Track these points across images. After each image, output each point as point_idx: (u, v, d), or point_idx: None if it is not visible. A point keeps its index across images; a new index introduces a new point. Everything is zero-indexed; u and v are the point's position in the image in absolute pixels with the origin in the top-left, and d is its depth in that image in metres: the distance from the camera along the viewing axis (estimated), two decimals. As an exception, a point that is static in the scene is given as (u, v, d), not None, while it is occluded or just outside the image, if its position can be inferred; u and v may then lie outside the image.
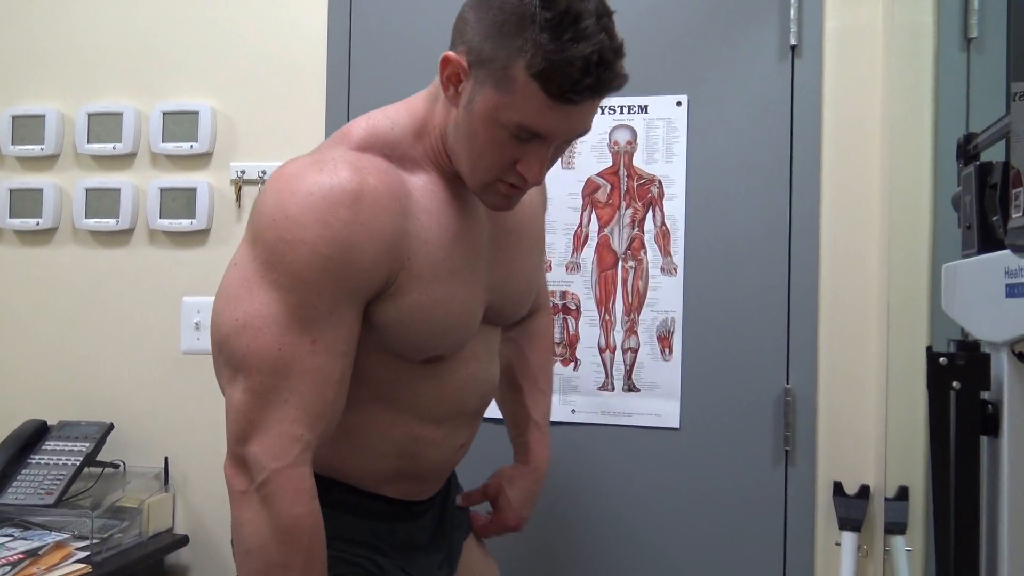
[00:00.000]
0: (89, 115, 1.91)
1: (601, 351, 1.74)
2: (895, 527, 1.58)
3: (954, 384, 0.75)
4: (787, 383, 1.66)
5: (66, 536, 1.67)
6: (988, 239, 0.78)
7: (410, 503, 1.16)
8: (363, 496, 1.10)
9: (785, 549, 1.66)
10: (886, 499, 1.60)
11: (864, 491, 1.64)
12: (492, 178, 1.00)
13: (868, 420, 1.64)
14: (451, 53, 0.96)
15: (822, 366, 1.66)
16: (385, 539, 1.12)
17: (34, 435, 1.83)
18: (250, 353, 0.91)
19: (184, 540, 1.86)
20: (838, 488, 1.65)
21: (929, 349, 0.77)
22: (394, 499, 1.13)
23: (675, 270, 1.71)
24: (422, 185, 1.02)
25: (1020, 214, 0.55)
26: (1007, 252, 0.72)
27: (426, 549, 1.19)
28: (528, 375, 1.39)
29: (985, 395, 0.78)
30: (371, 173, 0.96)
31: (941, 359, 0.76)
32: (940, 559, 0.78)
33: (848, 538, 1.61)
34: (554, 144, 0.98)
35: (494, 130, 0.95)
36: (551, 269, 1.75)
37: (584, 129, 0.99)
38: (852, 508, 1.64)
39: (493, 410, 1.31)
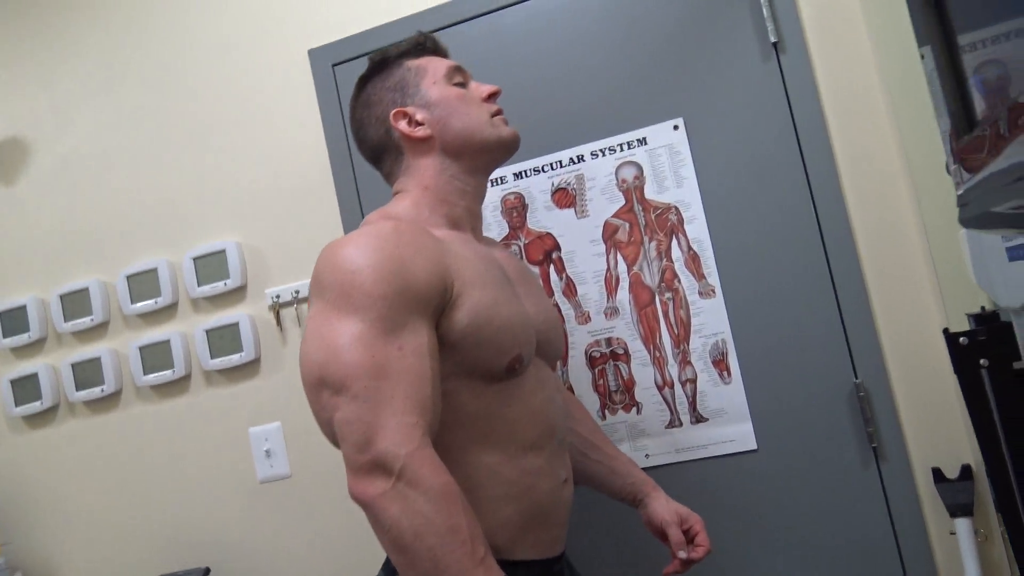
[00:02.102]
0: (128, 277, 1.99)
1: (660, 388, 1.70)
2: (1009, 503, 1.49)
3: (982, 362, 0.71)
4: (856, 378, 1.60)
5: None
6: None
7: (547, 563, 1.18)
8: (505, 566, 1.09)
9: (899, 549, 1.58)
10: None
11: (967, 472, 1.55)
12: (487, 116, 1.26)
13: (951, 397, 1.56)
14: (395, 110, 1.25)
15: (887, 352, 1.60)
16: None
17: (139, 593, 1.87)
18: (350, 367, 0.98)
19: (299, 666, 1.87)
20: (938, 474, 1.57)
21: (946, 331, 0.73)
22: (532, 561, 1.15)
23: (713, 291, 1.68)
24: (442, 233, 1.18)
25: (962, 192, 0.52)
26: (997, 215, 0.68)
27: None
28: (595, 431, 1.50)
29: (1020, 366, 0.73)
30: (403, 221, 1.14)
31: (961, 339, 0.72)
32: (1016, 544, 0.73)
33: (962, 525, 1.52)
34: (470, 76, 1.32)
35: (451, 90, 1.26)
36: (590, 320, 1.74)
37: None
38: (958, 492, 1.55)
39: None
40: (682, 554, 1.35)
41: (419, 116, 1.24)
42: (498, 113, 1.28)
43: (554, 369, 1.31)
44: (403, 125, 1.24)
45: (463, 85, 1.28)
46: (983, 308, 0.72)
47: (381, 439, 0.96)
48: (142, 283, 1.98)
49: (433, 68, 1.27)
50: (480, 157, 1.26)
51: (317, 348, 1.02)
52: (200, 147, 1.99)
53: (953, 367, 0.72)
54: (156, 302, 1.97)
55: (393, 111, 1.24)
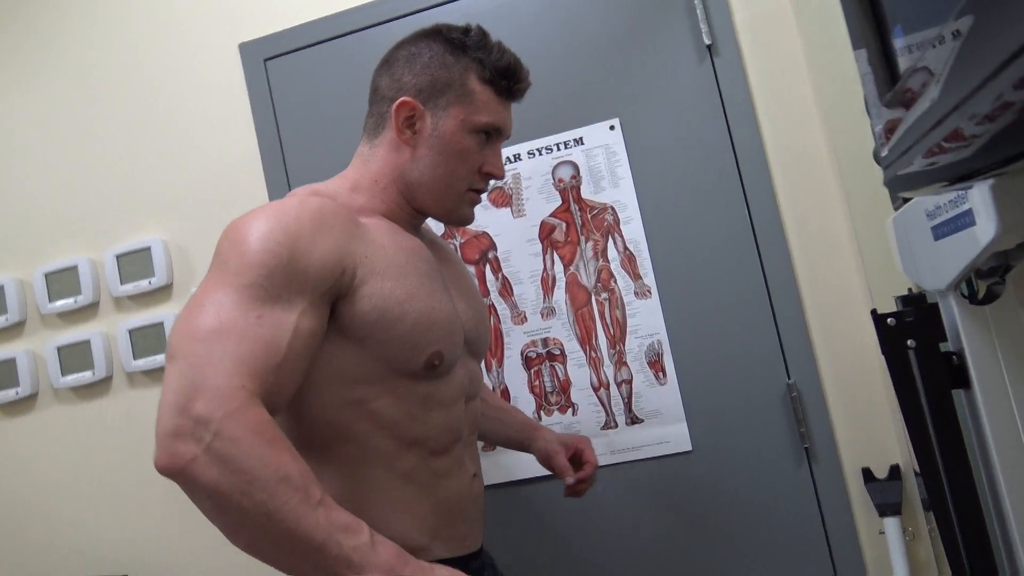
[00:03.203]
0: (46, 275, 1.91)
1: (595, 389, 1.69)
2: (935, 501, 1.50)
3: (909, 343, 0.71)
4: (789, 379, 1.61)
5: None
6: (907, 187, 0.74)
7: (463, 560, 1.15)
8: None
9: (830, 549, 1.59)
10: (918, 475, 1.52)
11: (895, 472, 1.57)
12: (464, 188, 1.16)
13: (881, 397, 1.58)
14: (406, 98, 1.12)
15: (819, 353, 1.61)
16: None
17: (52, 606, 1.78)
18: (190, 331, 0.90)
19: None
20: (868, 474, 1.58)
21: (874, 312, 0.73)
22: (448, 559, 1.11)
23: (649, 292, 1.67)
24: (369, 221, 1.10)
25: (886, 152, 0.51)
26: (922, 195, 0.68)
27: None
28: (493, 396, 1.52)
29: (947, 348, 0.73)
30: (320, 198, 1.05)
31: (889, 320, 0.71)
32: (944, 531, 0.72)
33: (891, 524, 1.54)
34: (503, 138, 1.19)
35: (464, 140, 1.13)
36: (527, 320, 1.72)
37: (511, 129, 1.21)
38: (887, 492, 1.56)
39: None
40: (569, 480, 1.36)
41: (419, 125, 1.13)
42: (479, 191, 1.19)
43: (478, 361, 1.28)
44: (401, 116, 1.12)
45: (487, 137, 1.16)
46: (910, 290, 0.72)
47: (197, 402, 0.85)
48: (61, 281, 1.90)
49: (476, 109, 1.13)
50: (427, 207, 1.17)
51: (181, 313, 0.95)
52: (125, 143, 1.92)
53: (881, 348, 0.72)
54: (76, 300, 1.89)
55: (404, 100, 1.12)
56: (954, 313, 0.71)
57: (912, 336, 0.70)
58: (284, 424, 1.06)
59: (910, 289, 0.72)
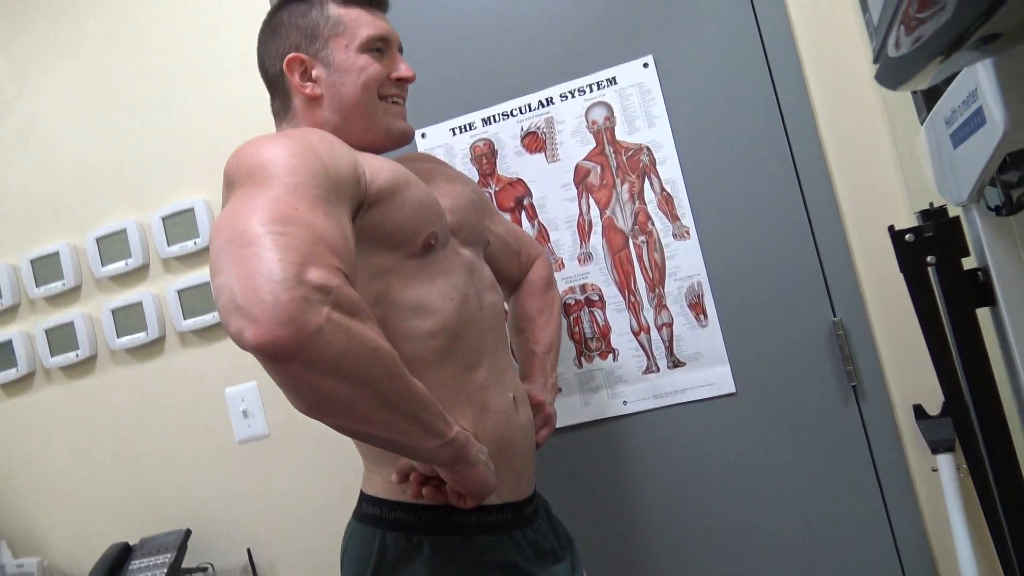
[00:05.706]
0: (97, 240, 1.96)
1: (636, 334, 1.67)
2: (991, 437, 1.45)
3: (928, 259, 0.67)
4: (834, 315, 1.56)
5: (168, 645, 1.69)
6: (927, 97, 0.69)
7: (517, 506, 1.13)
8: (474, 512, 1.08)
9: (881, 488, 1.55)
10: (973, 410, 1.47)
11: (947, 408, 1.52)
12: (380, 96, 1.19)
13: (932, 332, 1.52)
14: (292, 55, 1.17)
15: (866, 289, 1.56)
16: (513, 551, 1.09)
17: (119, 558, 1.85)
18: (266, 212, 0.84)
19: (285, 623, 1.87)
20: (919, 411, 1.53)
21: (891, 228, 0.69)
22: (500, 505, 1.10)
23: (687, 233, 1.63)
24: None
25: (897, 51, 0.47)
26: (939, 103, 0.64)
27: (556, 555, 1.17)
28: (527, 317, 1.46)
29: (970, 266, 0.69)
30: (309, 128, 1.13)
31: (907, 236, 0.68)
32: (970, 457, 0.69)
33: (944, 461, 1.49)
34: (395, 47, 1.24)
35: (359, 60, 1.17)
36: (564, 266, 1.70)
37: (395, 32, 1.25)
38: (940, 429, 1.52)
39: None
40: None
41: (315, 72, 1.17)
42: (397, 100, 1.22)
43: (473, 250, 1.26)
44: (296, 76, 1.18)
45: (380, 52, 1.20)
46: (931, 204, 0.68)
47: (311, 271, 0.80)
48: (112, 245, 1.95)
49: (352, 31, 1.18)
50: (363, 139, 1.18)
51: (224, 219, 0.88)
52: (164, 103, 1.95)
53: (899, 266, 0.68)
54: (127, 264, 1.94)
55: (290, 56, 1.17)
56: (977, 226, 0.67)
57: (932, 252, 0.67)
58: None
59: (931, 204, 0.68)
